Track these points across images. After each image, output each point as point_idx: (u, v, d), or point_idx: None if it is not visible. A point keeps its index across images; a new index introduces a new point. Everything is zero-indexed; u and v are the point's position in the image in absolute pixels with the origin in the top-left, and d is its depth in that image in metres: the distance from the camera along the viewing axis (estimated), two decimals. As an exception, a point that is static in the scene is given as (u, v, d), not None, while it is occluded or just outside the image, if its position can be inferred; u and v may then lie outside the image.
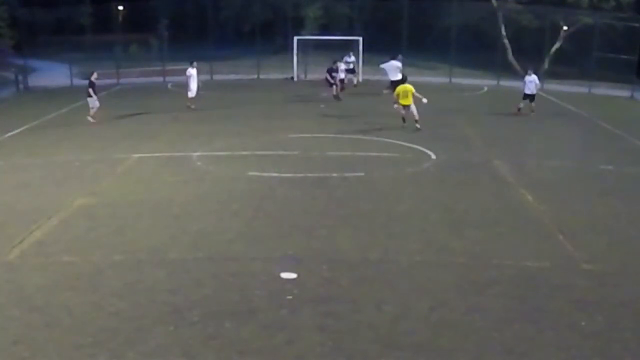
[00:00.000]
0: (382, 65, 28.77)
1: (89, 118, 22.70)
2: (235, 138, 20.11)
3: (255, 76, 36.77)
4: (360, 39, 35.64)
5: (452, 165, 17.14)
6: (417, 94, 21.16)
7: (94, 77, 23.18)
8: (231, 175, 15.97)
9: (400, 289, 9.58)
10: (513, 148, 19.47)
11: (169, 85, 33.62)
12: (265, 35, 40.73)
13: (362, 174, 15.96)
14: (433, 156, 17.86)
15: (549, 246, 11.34)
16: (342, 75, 30.16)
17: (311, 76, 36.26)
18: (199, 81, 26.31)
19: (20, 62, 35.90)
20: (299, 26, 42.22)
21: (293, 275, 9.92)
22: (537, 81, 25.36)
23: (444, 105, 27.22)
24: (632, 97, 32.24)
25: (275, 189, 14.66)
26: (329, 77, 28.94)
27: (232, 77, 37.06)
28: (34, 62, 37.86)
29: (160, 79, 35.71)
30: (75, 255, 10.71)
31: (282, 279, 9.82)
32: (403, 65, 28.66)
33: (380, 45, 37.59)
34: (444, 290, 9.54)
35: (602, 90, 33.17)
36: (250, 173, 15.92)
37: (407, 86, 21.35)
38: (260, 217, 12.76)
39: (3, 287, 9.58)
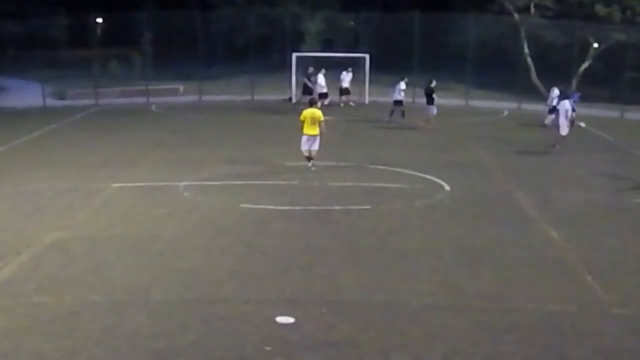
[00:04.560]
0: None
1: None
2: (226, 166, 20.28)
3: (249, 97, 37.01)
4: (367, 56, 35.92)
5: (468, 198, 17.28)
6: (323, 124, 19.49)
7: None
8: (222, 207, 16.11)
9: (409, 335, 9.67)
10: (536, 179, 19.61)
11: (153, 107, 33.86)
12: (260, 51, 41.08)
13: (368, 206, 16.10)
14: (447, 187, 18.01)
15: (576, 288, 11.44)
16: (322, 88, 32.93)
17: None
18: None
19: (-14, 80, 36.23)
20: (298, 41, 42.58)
21: (290, 320, 10.01)
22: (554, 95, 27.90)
23: (459, 131, 27.45)
24: (669, 122, 32.39)
25: (270, 223, 14.79)
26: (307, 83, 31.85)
27: (223, 97, 37.28)
28: (1, 80, 38.16)
29: (144, 99, 35.93)
30: (48, 296, 10.79)
31: (278, 323, 9.91)
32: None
33: (389, 63, 37.91)
34: (458, 337, 9.62)
35: (636, 114, 33.29)
36: (243, 205, 16.05)
37: (316, 111, 19.54)
38: (254, 254, 12.88)
39: (-33, 330, 9.66)
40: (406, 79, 29.98)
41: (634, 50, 34.76)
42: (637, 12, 37.92)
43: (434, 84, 28.15)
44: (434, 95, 27.82)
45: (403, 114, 28.78)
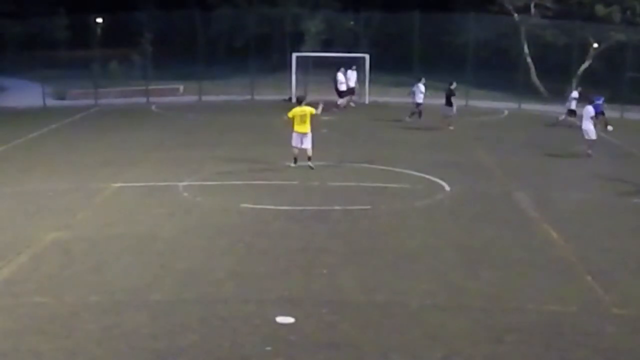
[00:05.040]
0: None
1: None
2: (226, 166, 20.27)
3: (249, 97, 37.05)
4: (367, 56, 35.96)
5: (468, 198, 17.30)
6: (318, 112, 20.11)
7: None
8: (221, 207, 16.11)
9: (409, 335, 9.68)
10: (536, 179, 19.62)
11: (153, 107, 33.87)
12: (260, 51, 41.05)
13: (368, 206, 16.11)
14: (447, 187, 18.02)
15: (576, 288, 11.45)
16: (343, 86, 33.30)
17: (312, 97, 36.47)
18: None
19: (-14, 80, 36.23)
20: (298, 42, 42.60)
21: (290, 320, 10.02)
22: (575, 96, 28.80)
23: (459, 131, 27.43)
24: (670, 122, 32.39)
25: (270, 223, 14.79)
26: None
27: (223, 98, 37.28)
28: (1, 80, 38.16)
29: (144, 99, 35.95)
30: (47, 296, 10.80)
31: (278, 323, 9.92)
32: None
33: (389, 63, 37.92)
34: (458, 337, 9.63)
35: (636, 114, 33.28)
36: (243, 205, 16.06)
37: (306, 108, 19.86)
38: (254, 254, 12.88)
39: (-33, 330, 9.67)
40: (424, 79, 29.91)
41: (634, 50, 34.78)
42: (637, 12, 37.93)
43: (454, 85, 28.08)
44: (453, 98, 27.73)
45: (411, 115, 28.76)
